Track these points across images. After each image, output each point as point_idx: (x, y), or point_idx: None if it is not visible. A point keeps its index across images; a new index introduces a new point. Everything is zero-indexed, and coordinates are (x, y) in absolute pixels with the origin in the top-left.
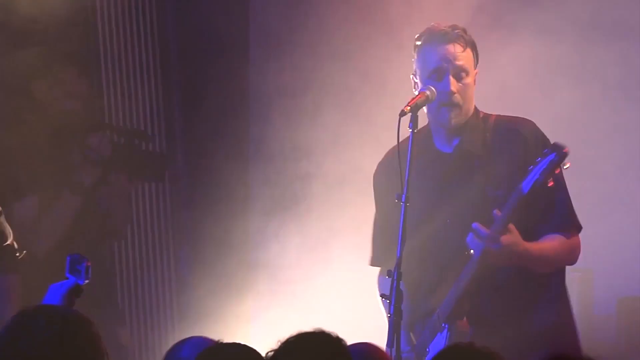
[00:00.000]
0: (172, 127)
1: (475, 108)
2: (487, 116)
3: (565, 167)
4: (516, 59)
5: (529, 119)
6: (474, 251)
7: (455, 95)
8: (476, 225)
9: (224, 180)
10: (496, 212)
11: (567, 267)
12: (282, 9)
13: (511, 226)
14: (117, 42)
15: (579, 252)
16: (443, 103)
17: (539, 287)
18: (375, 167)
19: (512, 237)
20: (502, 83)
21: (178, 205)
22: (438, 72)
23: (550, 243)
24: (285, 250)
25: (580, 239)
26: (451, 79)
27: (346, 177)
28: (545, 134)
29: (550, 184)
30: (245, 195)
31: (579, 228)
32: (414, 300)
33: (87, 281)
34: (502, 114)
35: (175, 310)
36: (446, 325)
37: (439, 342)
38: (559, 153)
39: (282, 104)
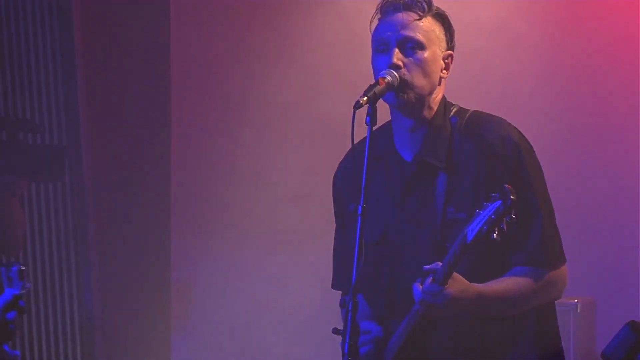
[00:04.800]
0: (75, 117)
1: (445, 102)
2: (461, 112)
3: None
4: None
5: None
6: (415, 300)
7: (401, 69)
8: (416, 285)
9: (139, 181)
10: (434, 264)
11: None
12: None
13: (454, 274)
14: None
15: (561, 287)
16: None
17: (512, 323)
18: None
19: (457, 284)
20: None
21: (82, 212)
22: (384, 44)
23: (514, 280)
24: (212, 268)
25: (580, 266)
26: (396, 50)
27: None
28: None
29: (497, 237)
30: (166, 198)
31: (556, 260)
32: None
33: (25, 289)
34: (480, 110)
35: (79, 347)
36: None
37: None
38: (505, 202)
39: (208, 98)
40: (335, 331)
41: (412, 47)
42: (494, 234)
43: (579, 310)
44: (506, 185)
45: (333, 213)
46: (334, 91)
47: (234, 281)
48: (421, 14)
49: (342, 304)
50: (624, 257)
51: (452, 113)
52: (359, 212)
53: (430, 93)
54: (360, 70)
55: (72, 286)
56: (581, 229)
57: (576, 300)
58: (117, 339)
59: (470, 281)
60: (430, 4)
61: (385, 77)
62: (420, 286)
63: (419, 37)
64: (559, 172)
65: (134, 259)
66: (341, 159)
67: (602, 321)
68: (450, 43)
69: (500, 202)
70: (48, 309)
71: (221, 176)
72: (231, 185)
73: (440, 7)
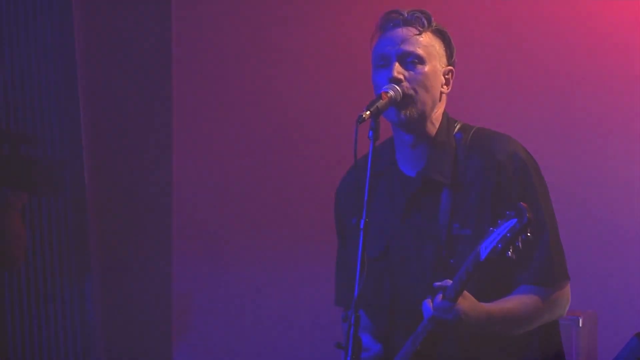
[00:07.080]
0: (76, 127)
1: (447, 118)
2: (465, 129)
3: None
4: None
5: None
6: (425, 317)
7: (403, 83)
8: (426, 301)
9: (140, 192)
10: (444, 281)
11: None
12: None
13: (464, 292)
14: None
15: (565, 306)
16: None
17: (517, 340)
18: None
19: (467, 302)
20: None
21: (83, 223)
22: (385, 59)
23: (521, 299)
24: (213, 277)
25: (581, 280)
26: (396, 64)
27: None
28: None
29: (512, 255)
30: (167, 208)
31: (562, 279)
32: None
33: None
34: (484, 127)
35: (79, 357)
36: None
37: None
38: (520, 220)
39: (210, 105)
40: (338, 345)
41: (412, 61)
42: (509, 252)
43: (580, 325)
44: (521, 204)
45: (335, 226)
46: (339, 93)
47: (235, 290)
48: (421, 29)
49: (345, 319)
50: (624, 271)
51: (456, 129)
52: (362, 226)
53: (432, 108)
54: (367, 74)
55: (73, 297)
56: (582, 243)
57: (578, 315)
58: (118, 349)
59: (476, 299)
60: (430, 20)
61: (388, 92)
62: (431, 303)
63: (419, 51)
64: (558, 184)
65: (135, 269)
66: (343, 169)
67: (604, 335)
68: (450, 59)
69: (515, 220)
70: (49, 319)
71: (224, 185)
72: (234, 194)
73: (438, 6)
